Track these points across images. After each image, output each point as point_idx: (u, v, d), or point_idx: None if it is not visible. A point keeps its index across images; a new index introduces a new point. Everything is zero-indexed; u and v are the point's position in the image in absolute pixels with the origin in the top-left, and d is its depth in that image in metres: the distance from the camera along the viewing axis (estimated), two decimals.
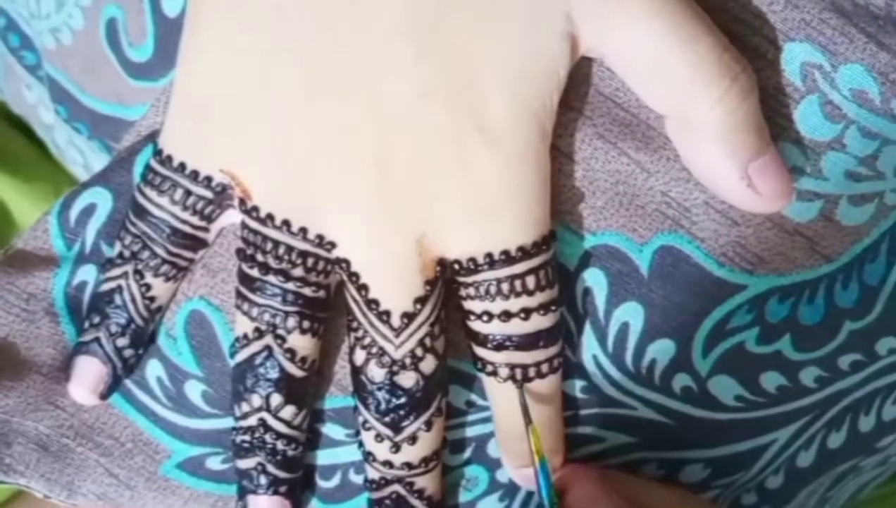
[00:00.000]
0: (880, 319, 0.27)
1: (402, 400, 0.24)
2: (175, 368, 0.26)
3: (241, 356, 0.25)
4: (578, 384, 0.26)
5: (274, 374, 0.25)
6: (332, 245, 0.24)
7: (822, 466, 0.29)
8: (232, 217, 0.25)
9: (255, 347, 0.25)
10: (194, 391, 0.26)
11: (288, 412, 0.25)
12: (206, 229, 0.25)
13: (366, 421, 0.25)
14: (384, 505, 0.26)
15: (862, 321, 0.27)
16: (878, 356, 0.28)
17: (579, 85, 0.25)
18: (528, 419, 0.24)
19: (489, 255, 0.24)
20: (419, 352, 0.24)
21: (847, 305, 0.26)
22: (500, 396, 0.25)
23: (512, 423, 0.25)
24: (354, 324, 0.25)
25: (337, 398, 0.26)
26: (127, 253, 0.26)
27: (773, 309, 0.26)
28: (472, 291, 0.24)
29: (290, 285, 0.24)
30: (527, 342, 0.24)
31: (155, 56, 0.29)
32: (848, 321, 0.26)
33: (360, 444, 0.26)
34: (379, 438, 0.25)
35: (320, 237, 0.24)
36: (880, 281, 0.26)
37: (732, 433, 0.27)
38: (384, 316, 0.24)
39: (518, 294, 0.24)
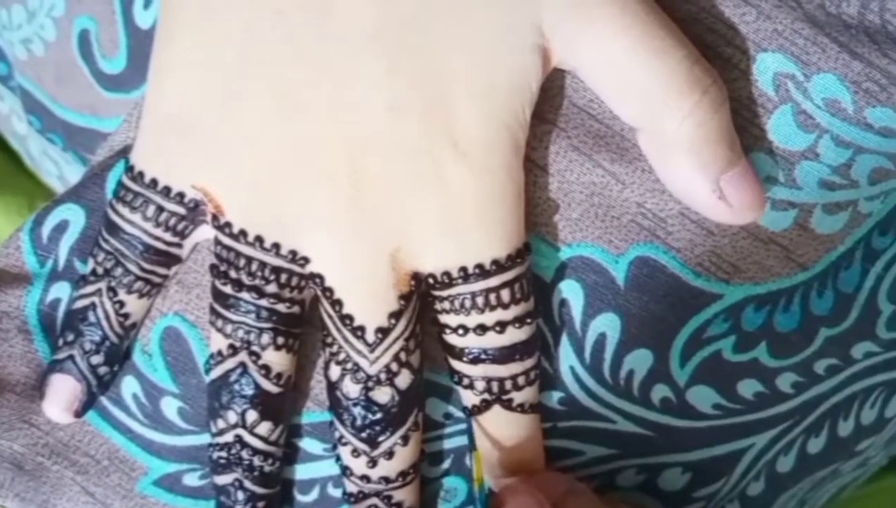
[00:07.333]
0: (856, 325, 0.27)
1: (378, 416, 0.24)
2: (151, 384, 0.26)
3: (216, 372, 0.25)
4: (556, 395, 0.26)
5: (249, 391, 0.24)
6: (306, 261, 0.24)
7: (802, 471, 0.30)
8: (205, 233, 0.25)
9: (230, 363, 0.25)
10: (170, 407, 0.26)
11: (264, 428, 0.25)
12: (179, 246, 0.25)
13: (342, 436, 0.25)
14: None
15: (838, 328, 0.27)
16: (854, 360, 0.28)
17: (553, 97, 0.25)
18: (472, 446, 0.25)
19: (463, 269, 0.24)
20: (394, 367, 0.24)
21: (823, 312, 0.26)
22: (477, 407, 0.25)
23: (491, 434, 0.25)
24: (329, 339, 0.24)
25: (314, 412, 0.26)
26: (100, 270, 0.25)
27: (750, 317, 0.26)
28: (447, 304, 0.24)
29: (264, 302, 0.24)
30: (503, 356, 0.24)
31: (128, 68, 0.29)
32: (824, 327, 0.27)
33: (338, 458, 0.26)
34: (355, 453, 0.25)
35: (293, 253, 0.24)
36: (855, 288, 0.26)
37: (709, 438, 0.27)
38: (358, 332, 0.24)
39: (493, 308, 0.24)
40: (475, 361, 0.24)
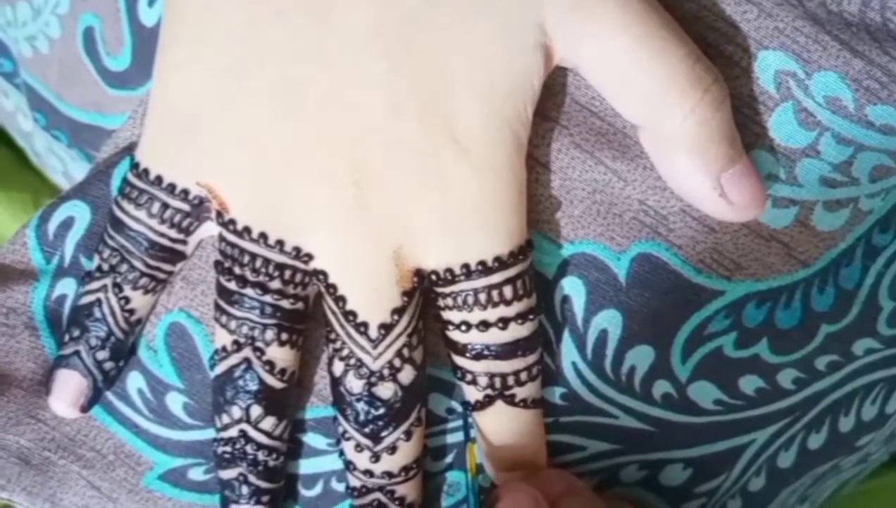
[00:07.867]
0: (857, 321, 0.27)
1: (381, 411, 0.25)
2: (156, 380, 0.26)
3: (221, 368, 0.25)
4: (558, 391, 0.26)
5: (253, 386, 0.25)
6: (310, 257, 0.24)
7: (803, 466, 0.30)
8: (210, 229, 0.25)
9: (234, 359, 0.25)
10: (175, 402, 0.26)
11: (268, 423, 0.25)
12: (183, 242, 0.25)
13: (346, 431, 0.25)
14: None
15: (839, 324, 0.27)
16: (855, 357, 0.28)
17: (555, 94, 0.25)
18: (466, 437, 0.25)
19: (466, 266, 0.24)
20: (397, 363, 0.24)
21: (824, 309, 0.27)
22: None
23: (494, 430, 0.26)
24: (332, 335, 0.25)
25: (318, 407, 0.26)
26: (105, 266, 0.26)
27: (751, 314, 0.26)
28: (449, 301, 0.24)
29: (268, 298, 0.24)
30: (505, 352, 0.25)
31: (133, 65, 0.29)
32: (825, 324, 0.27)
33: (341, 453, 0.26)
34: (359, 448, 0.25)
35: (297, 250, 0.24)
36: (856, 285, 0.27)
37: (710, 434, 0.27)
38: (361, 327, 0.24)
39: (495, 304, 0.24)
40: (478, 357, 0.25)
